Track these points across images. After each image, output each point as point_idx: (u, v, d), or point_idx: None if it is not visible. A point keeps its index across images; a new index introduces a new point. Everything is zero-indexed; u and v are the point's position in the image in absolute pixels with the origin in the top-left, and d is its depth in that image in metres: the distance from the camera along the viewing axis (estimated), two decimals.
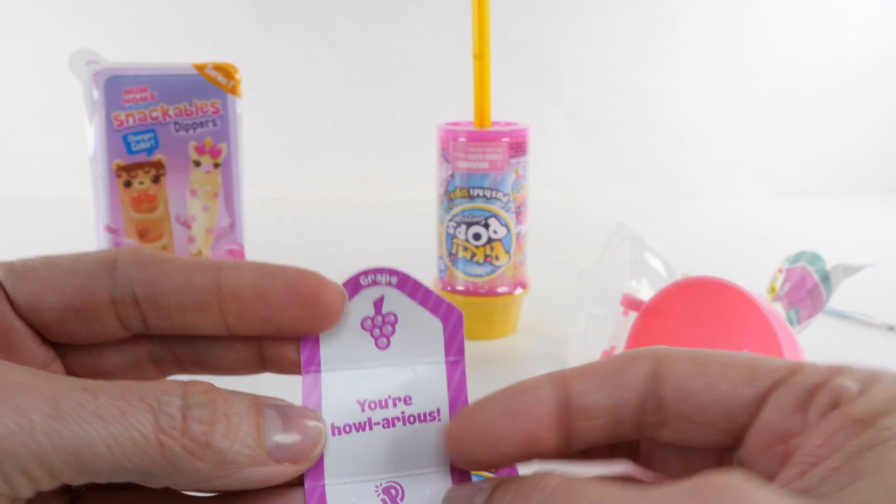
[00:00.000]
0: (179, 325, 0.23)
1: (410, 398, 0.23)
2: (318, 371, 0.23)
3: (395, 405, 0.23)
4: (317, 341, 0.23)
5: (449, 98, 1.10)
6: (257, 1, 1.15)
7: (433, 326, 0.23)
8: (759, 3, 1.20)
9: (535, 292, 0.64)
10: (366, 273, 0.23)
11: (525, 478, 0.20)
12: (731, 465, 0.22)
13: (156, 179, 0.54)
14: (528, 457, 0.22)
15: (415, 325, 0.23)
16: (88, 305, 0.23)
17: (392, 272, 0.23)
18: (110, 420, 0.19)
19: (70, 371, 0.24)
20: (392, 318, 0.23)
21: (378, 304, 0.23)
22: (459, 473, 0.23)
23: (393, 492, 0.23)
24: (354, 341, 0.23)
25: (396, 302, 0.23)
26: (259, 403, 0.22)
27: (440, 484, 0.23)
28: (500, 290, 0.60)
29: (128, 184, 0.54)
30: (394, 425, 0.23)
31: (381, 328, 0.23)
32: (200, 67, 0.54)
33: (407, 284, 0.23)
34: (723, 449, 0.22)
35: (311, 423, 0.22)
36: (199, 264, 0.23)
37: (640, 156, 1.22)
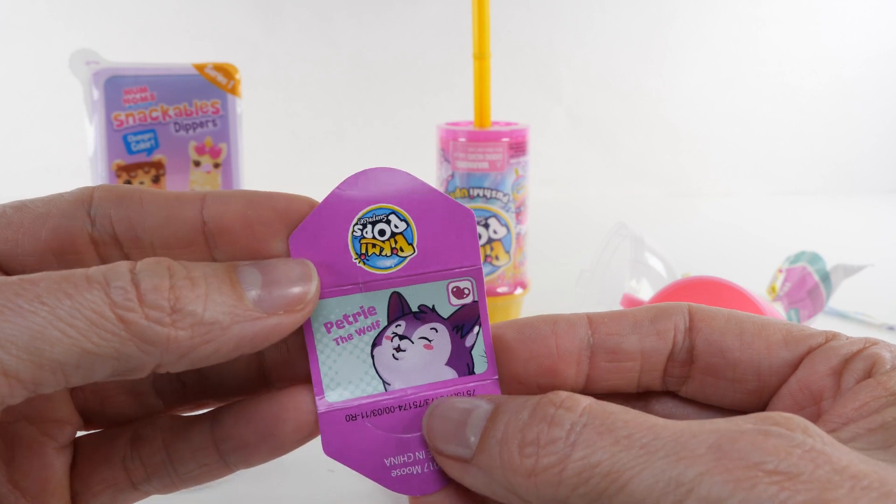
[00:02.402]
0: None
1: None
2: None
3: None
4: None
5: (449, 98, 1.10)
6: (257, 1, 1.14)
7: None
8: (759, 4, 1.20)
9: (535, 292, 0.64)
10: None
11: (539, 398, 0.19)
12: None
13: (156, 179, 0.54)
14: (543, 387, 0.22)
15: None
16: (67, 247, 0.21)
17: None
18: (56, 304, 0.17)
19: None
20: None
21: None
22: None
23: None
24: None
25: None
26: (231, 264, 0.20)
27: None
28: (500, 290, 0.60)
29: (128, 184, 0.54)
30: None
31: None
32: (200, 67, 0.54)
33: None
34: (741, 412, 0.22)
35: (297, 267, 0.20)
36: (181, 197, 0.21)
37: (640, 156, 1.22)
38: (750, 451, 0.16)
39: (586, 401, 0.18)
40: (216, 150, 0.55)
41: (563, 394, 0.19)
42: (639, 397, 0.23)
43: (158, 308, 0.17)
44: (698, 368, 0.22)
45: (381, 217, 0.22)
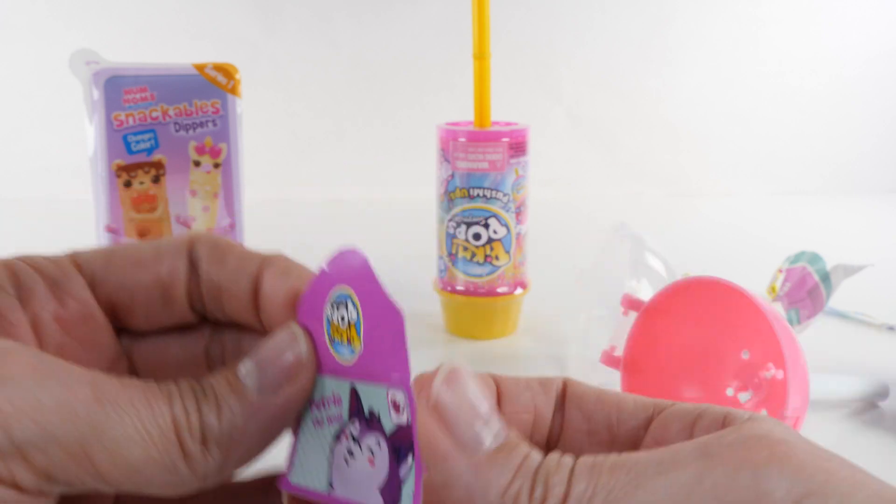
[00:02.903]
0: (229, 312, 0.23)
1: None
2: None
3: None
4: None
5: (449, 98, 1.09)
6: (257, 1, 1.14)
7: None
8: (759, 4, 1.20)
9: (535, 292, 0.64)
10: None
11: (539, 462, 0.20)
12: None
13: (156, 179, 0.54)
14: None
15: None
16: (175, 283, 0.23)
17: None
18: (141, 409, 0.19)
19: (134, 364, 0.24)
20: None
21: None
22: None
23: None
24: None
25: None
26: (232, 367, 0.21)
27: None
28: (500, 290, 0.60)
29: (128, 184, 0.54)
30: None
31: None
32: (200, 67, 0.54)
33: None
34: None
35: (282, 335, 0.21)
36: (254, 256, 0.23)
37: (640, 156, 1.22)
38: (737, 446, 0.18)
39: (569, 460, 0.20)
40: (216, 150, 0.55)
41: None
42: None
43: (192, 434, 0.19)
44: (566, 424, 0.24)
45: (343, 301, 0.21)
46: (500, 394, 0.24)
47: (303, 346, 0.21)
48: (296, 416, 0.22)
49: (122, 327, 0.24)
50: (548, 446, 0.24)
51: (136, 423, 0.19)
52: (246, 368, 0.21)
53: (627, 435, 0.23)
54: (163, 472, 0.19)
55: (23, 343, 0.20)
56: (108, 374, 0.20)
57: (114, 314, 0.23)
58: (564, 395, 0.24)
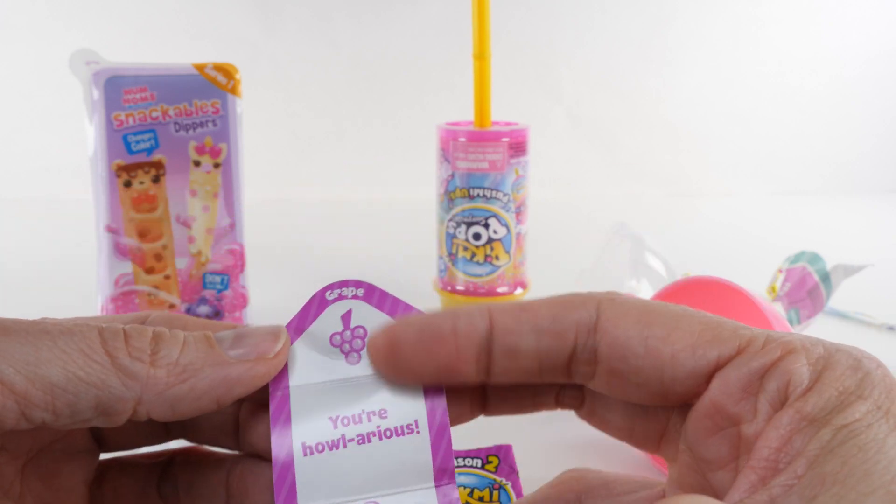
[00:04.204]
0: None
1: (386, 411, 0.22)
2: (286, 387, 0.22)
3: (369, 419, 0.22)
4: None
5: (449, 98, 1.10)
6: (257, 1, 1.14)
7: None
8: (759, 4, 1.20)
9: (535, 292, 0.64)
10: (331, 288, 0.23)
11: None
12: (671, 426, 0.22)
13: (156, 179, 0.54)
14: (446, 381, 0.22)
15: None
16: None
17: (358, 284, 0.23)
18: (58, 337, 0.19)
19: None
20: (361, 331, 0.22)
21: (346, 318, 0.23)
22: (444, 490, 0.22)
23: None
24: (324, 358, 0.22)
25: (364, 315, 0.23)
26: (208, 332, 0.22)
27: (423, 500, 0.21)
28: (500, 290, 0.60)
29: (128, 184, 0.54)
30: (369, 441, 0.21)
31: (350, 343, 0.23)
32: (200, 67, 0.54)
33: (374, 296, 0.23)
34: (657, 407, 0.22)
35: (269, 327, 0.22)
36: (210, 326, 0.24)
37: (640, 156, 1.22)
38: None
39: None
40: (216, 150, 0.55)
41: None
42: (569, 398, 0.23)
43: (141, 350, 0.20)
44: (602, 369, 0.21)
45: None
46: (493, 337, 0.21)
47: (282, 341, 0.22)
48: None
49: None
50: (569, 377, 0.22)
51: (49, 345, 0.19)
52: (224, 335, 0.22)
53: (683, 391, 0.20)
54: (89, 388, 0.19)
55: None
56: None
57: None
58: (597, 330, 0.21)
